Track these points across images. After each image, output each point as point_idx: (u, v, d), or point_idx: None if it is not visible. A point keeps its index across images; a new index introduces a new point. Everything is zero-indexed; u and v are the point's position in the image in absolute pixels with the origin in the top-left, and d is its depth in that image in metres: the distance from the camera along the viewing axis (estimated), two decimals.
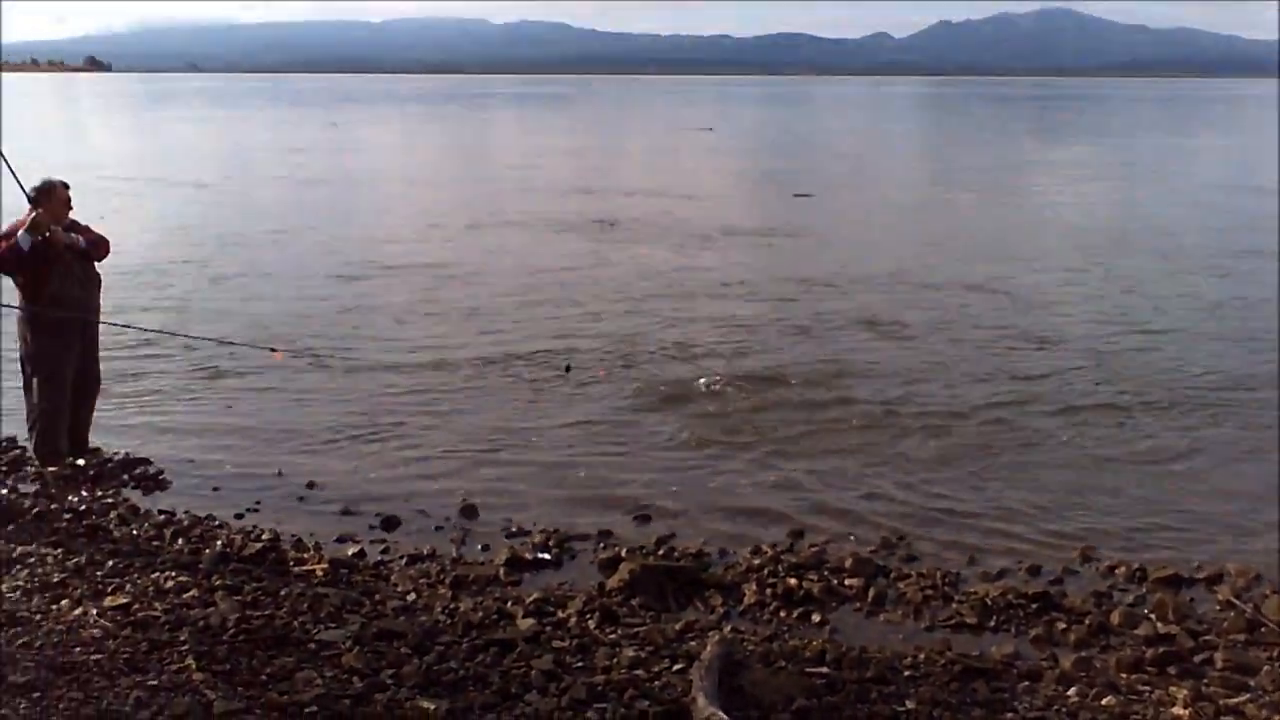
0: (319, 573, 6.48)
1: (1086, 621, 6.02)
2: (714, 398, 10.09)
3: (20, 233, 7.54)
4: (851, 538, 7.25)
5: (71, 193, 7.93)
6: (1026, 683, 5.32)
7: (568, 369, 10.95)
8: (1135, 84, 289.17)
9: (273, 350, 9.11)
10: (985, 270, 16.57)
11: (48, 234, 7.59)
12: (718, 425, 9.41)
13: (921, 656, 5.56)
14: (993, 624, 6.08)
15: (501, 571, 6.64)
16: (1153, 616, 6.10)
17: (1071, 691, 5.22)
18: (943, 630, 6.03)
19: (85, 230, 7.97)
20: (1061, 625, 6.01)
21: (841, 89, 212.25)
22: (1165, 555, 6.98)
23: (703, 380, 10.45)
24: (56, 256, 7.69)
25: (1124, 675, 5.43)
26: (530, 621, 5.81)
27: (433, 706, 4.75)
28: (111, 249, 8.18)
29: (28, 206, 7.73)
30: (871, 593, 6.38)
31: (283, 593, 6.08)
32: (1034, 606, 6.21)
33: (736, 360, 11.38)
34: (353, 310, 13.89)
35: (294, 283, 15.65)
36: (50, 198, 7.75)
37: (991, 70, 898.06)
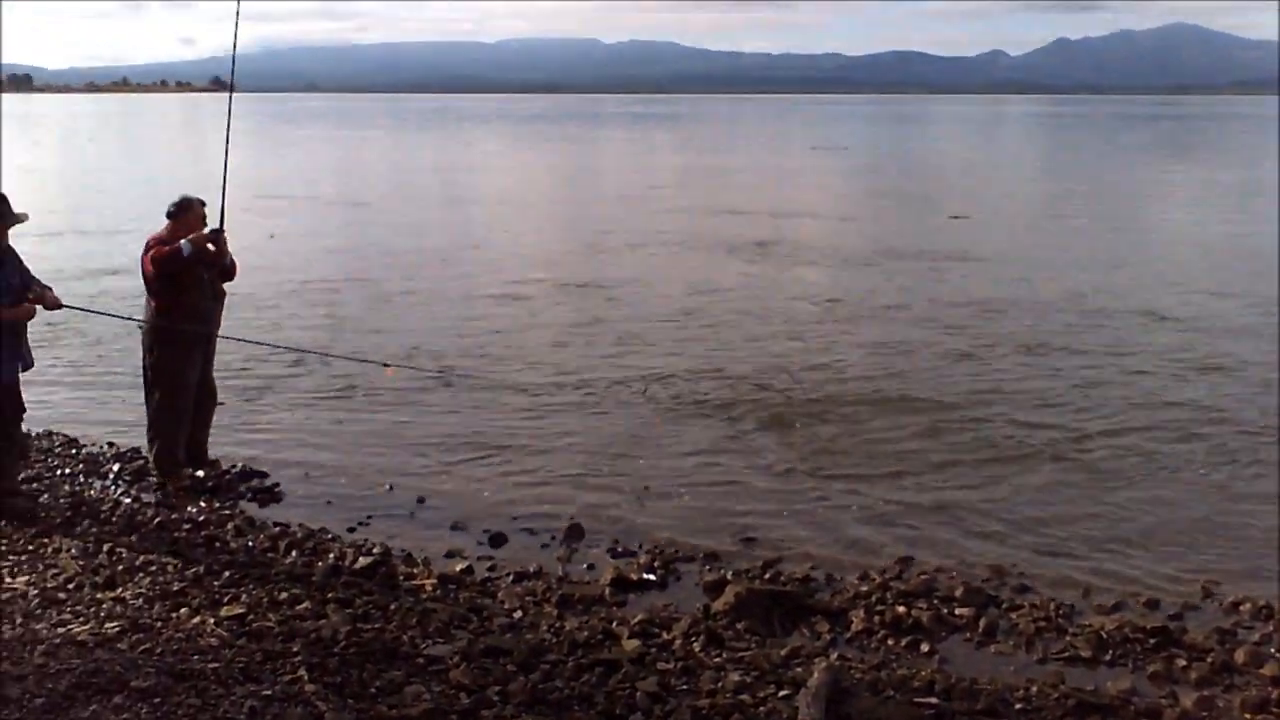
0: (428, 588, 6.56)
1: (1209, 659, 5.81)
2: (837, 421, 9.99)
3: (184, 240, 7.82)
4: (961, 566, 7.10)
5: (227, 210, 8.21)
6: None
7: (645, 392, 10.95)
8: (1267, 101, 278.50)
9: (385, 366, 9.26)
10: (1157, 295, 16.04)
11: (213, 245, 7.95)
12: (834, 449, 9.32)
13: (1034, 690, 5.42)
14: (1108, 658, 5.90)
15: (607, 591, 6.64)
16: None
17: None
18: (1056, 663, 5.87)
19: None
20: (1182, 662, 5.80)
21: (959, 108, 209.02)
22: None
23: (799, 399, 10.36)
24: (195, 269, 7.97)
25: (1249, 716, 5.24)
26: (635, 642, 5.80)
27: None
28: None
29: (166, 221, 8.02)
30: (982, 623, 6.24)
31: (392, 607, 6.17)
32: (1152, 642, 6.01)
33: (880, 383, 11.27)
34: (506, 331, 13.98)
35: (456, 302, 15.82)
36: (188, 213, 8.03)
37: (1112, 88, 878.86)
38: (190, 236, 7.86)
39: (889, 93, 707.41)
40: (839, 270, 18.68)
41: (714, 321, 14.51)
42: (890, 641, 6.07)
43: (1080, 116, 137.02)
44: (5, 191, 7.09)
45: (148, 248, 7.93)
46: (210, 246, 7.99)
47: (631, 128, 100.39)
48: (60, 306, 7.43)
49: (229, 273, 8.34)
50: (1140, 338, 13.42)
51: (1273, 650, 5.92)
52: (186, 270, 7.88)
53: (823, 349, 12.91)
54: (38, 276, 7.41)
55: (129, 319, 8.23)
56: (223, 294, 8.42)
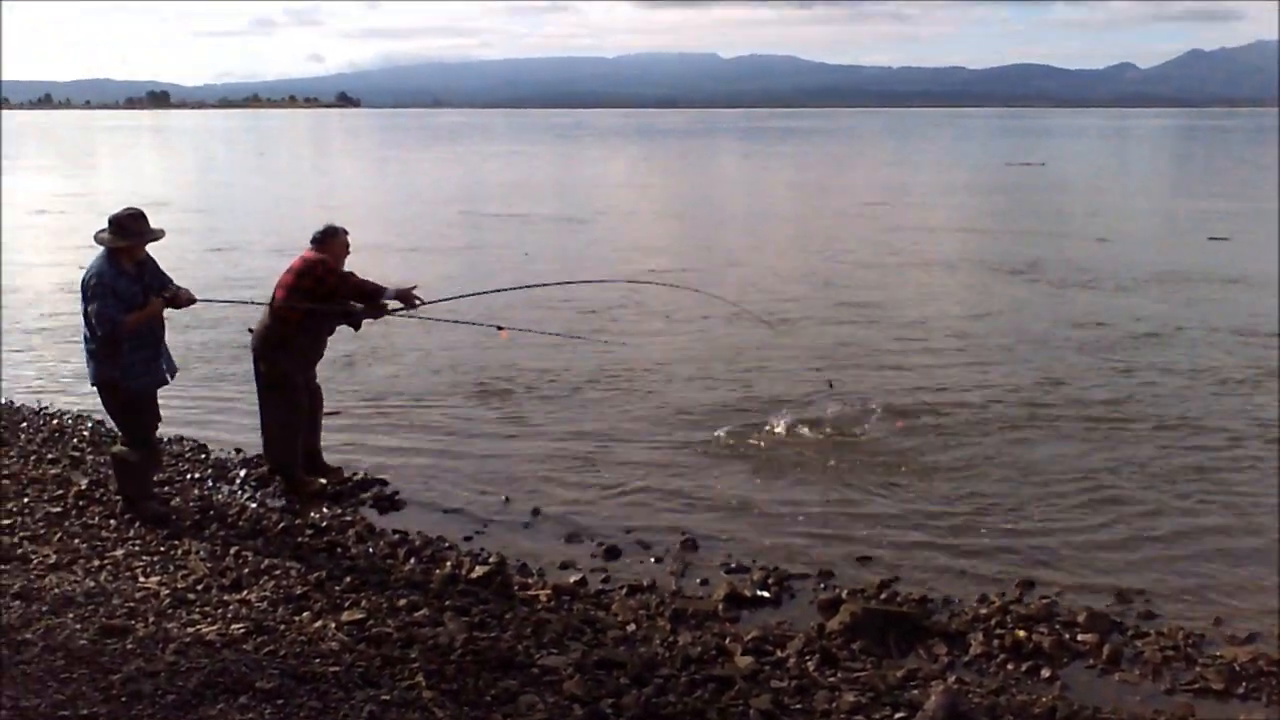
0: (542, 598, 6.61)
1: None
2: (979, 444, 9.84)
3: (392, 288, 8.27)
4: (1085, 591, 6.90)
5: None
6: None
7: (830, 384, 11.29)
8: None
9: (499, 329, 9.18)
10: None
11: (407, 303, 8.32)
12: (967, 472, 9.17)
13: None
14: (1241, 691, 5.68)
15: (720, 607, 6.62)
16: None
17: None
18: (1185, 694, 5.67)
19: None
20: None
21: (1094, 121, 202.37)
22: None
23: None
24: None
25: None
26: (749, 659, 5.77)
27: None
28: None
29: (309, 245, 8.29)
30: (1106, 650, 6.06)
31: (508, 616, 6.24)
32: None
33: (1068, 406, 10.97)
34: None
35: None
36: (334, 240, 8.29)
37: (1246, 100, 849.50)
38: (398, 291, 8.25)
39: (1013, 106, 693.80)
40: (1107, 294, 17.79)
41: (960, 344, 14.13)
42: (1010, 666, 5.94)
43: (1235, 129, 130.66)
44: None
45: (320, 265, 8.12)
46: (399, 304, 8.33)
47: (783, 142, 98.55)
48: (194, 301, 7.63)
49: (357, 325, 8.57)
50: None
51: None
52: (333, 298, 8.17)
53: (1052, 377, 12.29)
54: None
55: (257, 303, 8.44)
56: (333, 331, 8.64)
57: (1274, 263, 20.19)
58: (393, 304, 8.32)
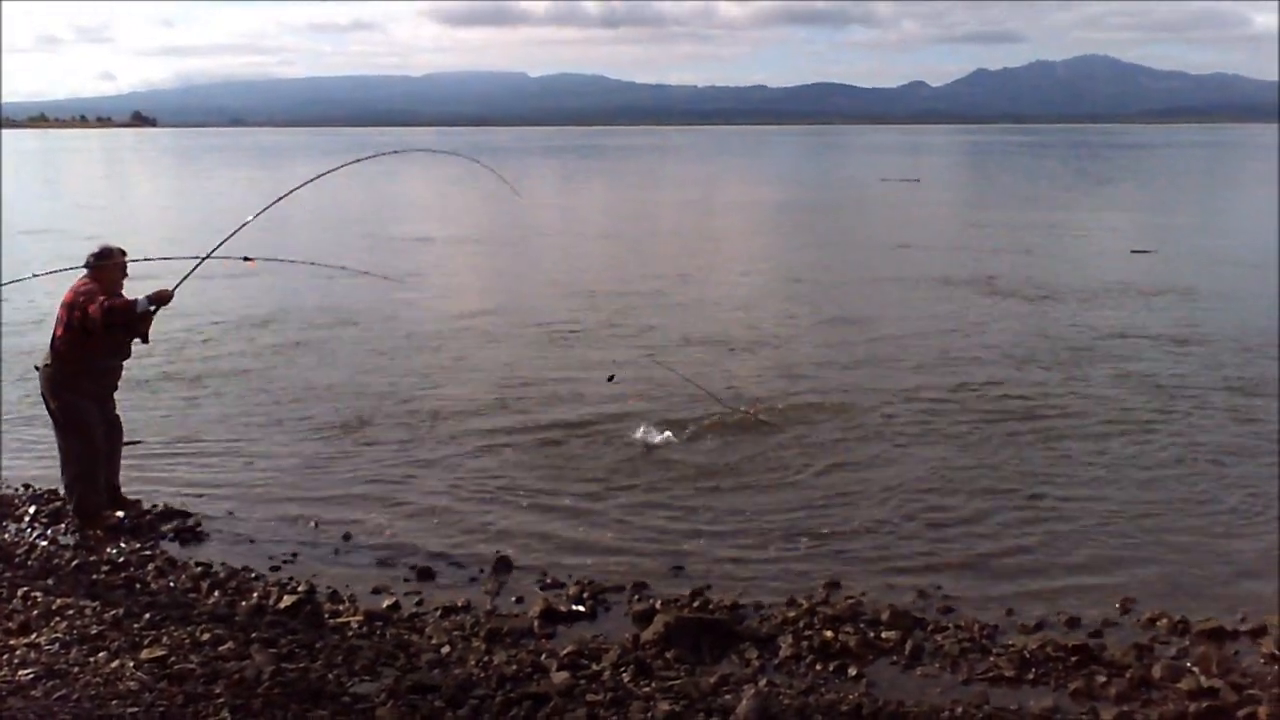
0: (354, 625, 6.49)
1: (1128, 675, 5.92)
2: (776, 446, 10.11)
3: (143, 296, 7.75)
4: (888, 589, 7.16)
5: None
6: None
7: (611, 378, 11.41)
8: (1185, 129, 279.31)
9: (246, 259, 8.78)
10: None
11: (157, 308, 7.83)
12: (761, 475, 9.41)
13: (959, 711, 5.50)
14: (1031, 677, 5.98)
15: (536, 624, 6.62)
16: (1196, 670, 5.98)
17: None
18: (980, 684, 5.94)
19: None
20: (1102, 679, 5.91)
21: (907, 138, 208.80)
22: (1208, 607, 6.85)
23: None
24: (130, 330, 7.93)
25: None
26: (564, 675, 5.78)
27: None
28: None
29: (84, 271, 7.89)
30: (909, 645, 6.30)
31: (318, 645, 6.10)
32: (1073, 659, 6.11)
33: (818, 394, 11.35)
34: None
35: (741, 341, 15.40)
36: (109, 262, 7.92)
37: (1030, 116, 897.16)
38: (153, 294, 7.81)
39: (815, 123, 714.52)
40: (1065, 306, 17.90)
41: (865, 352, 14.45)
42: (818, 666, 6.11)
43: (1042, 145, 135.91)
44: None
45: (84, 296, 7.72)
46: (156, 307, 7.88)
47: (626, 159, 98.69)
48: None
49: (144, 338, 8.15)
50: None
51: (1189, 664, 6.05)
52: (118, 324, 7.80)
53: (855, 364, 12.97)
54: None
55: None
56: (128, 354, 8.25)
57: (1200, 274, 21.25)
58: (152, 307, 7.88)
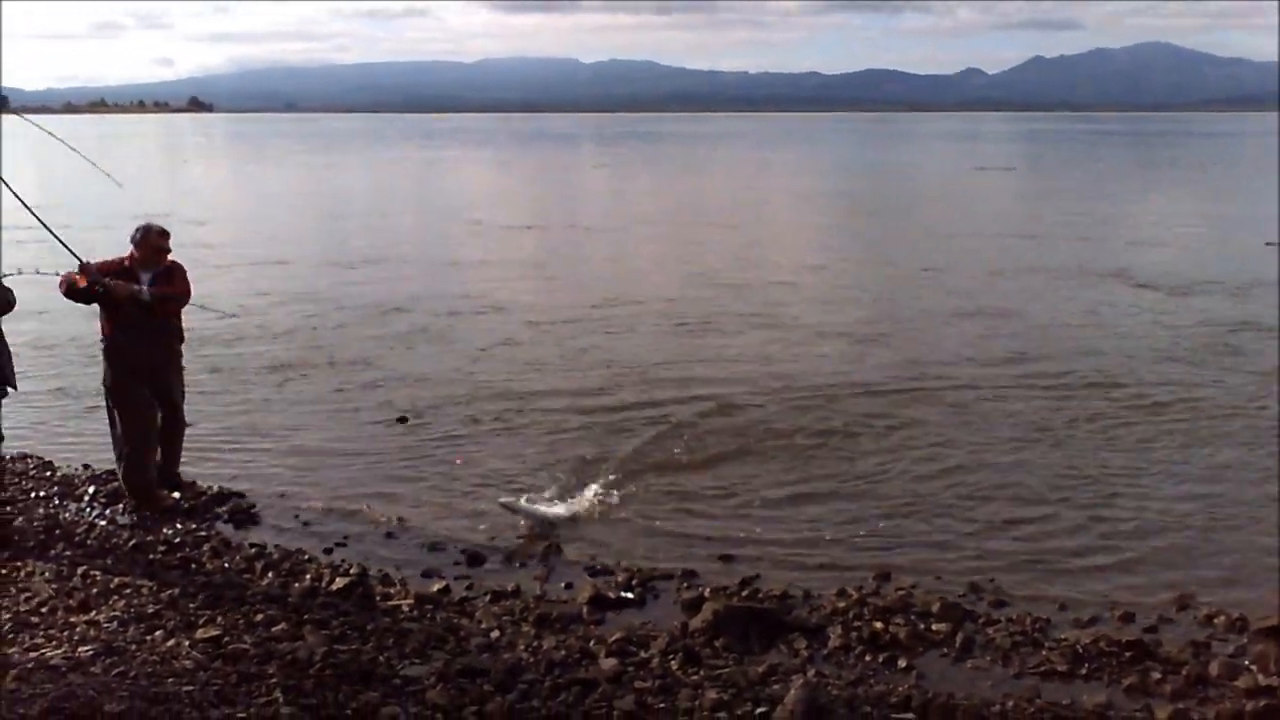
0: (405, 608, 6.54)
1: (1184, 672, 5.82)
2: (821, 441, 10.06)
3: (76, 275, 7.79)
4: (938, 581, 7.11)
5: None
6: None
7: (402, 419, 10.72)
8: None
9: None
10: None
11: (102, 288, 7.80)
12: (816, 468, 9.36)
13: (1010, 704, 5.44)
14: (1084, 672, 5.91)
15: (585, 610, 6.63)
16: (1254, 668, 5.88)
17: None
18: (1032, 677, 5.87)
19: (168, 283, 8.08)
20: (1157, 675, 5.82)
21: (964, 124, 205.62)
22: (1267, 605, 6.71)
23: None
24: (116, 306, 7.95)
25: None
26: (613, 661, 5.80)
27: None
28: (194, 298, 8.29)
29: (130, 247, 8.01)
30: (959, 638, 6.25)
31: (369, 628, 6.15)
32: (1128, 655, 6.03)
33: (855, 400, 11.30)
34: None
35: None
36: (143, 240, 8.03)
37: (1087, 105, 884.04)
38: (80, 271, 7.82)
39: (869, 110, 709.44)
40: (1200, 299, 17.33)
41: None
42: (867, 658, 6.07)
43: (1113, 133, 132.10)
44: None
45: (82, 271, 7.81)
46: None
47: (697, 146, 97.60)
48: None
49: (153, 309, 8.02)
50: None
51: (1246, 663, 5.95)
52: (107, 305, 7.93)
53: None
54: None
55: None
56: (162, 327, 8.21)
57: None
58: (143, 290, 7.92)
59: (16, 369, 7.60)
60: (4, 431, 7.60)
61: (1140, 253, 23.00)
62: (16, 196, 7.70)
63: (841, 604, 6.68)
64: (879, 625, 6.37)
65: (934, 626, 6.40)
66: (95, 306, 8.05)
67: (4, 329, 7.39)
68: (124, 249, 8.10)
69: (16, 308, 7.36)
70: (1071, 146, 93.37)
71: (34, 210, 7.84)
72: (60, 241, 7.88)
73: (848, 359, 13.31)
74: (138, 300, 7.86)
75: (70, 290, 7.79)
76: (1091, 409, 11.02)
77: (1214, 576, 7.17)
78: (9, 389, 7.39)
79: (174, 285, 8.06)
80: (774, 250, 24.86)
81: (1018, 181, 48.61)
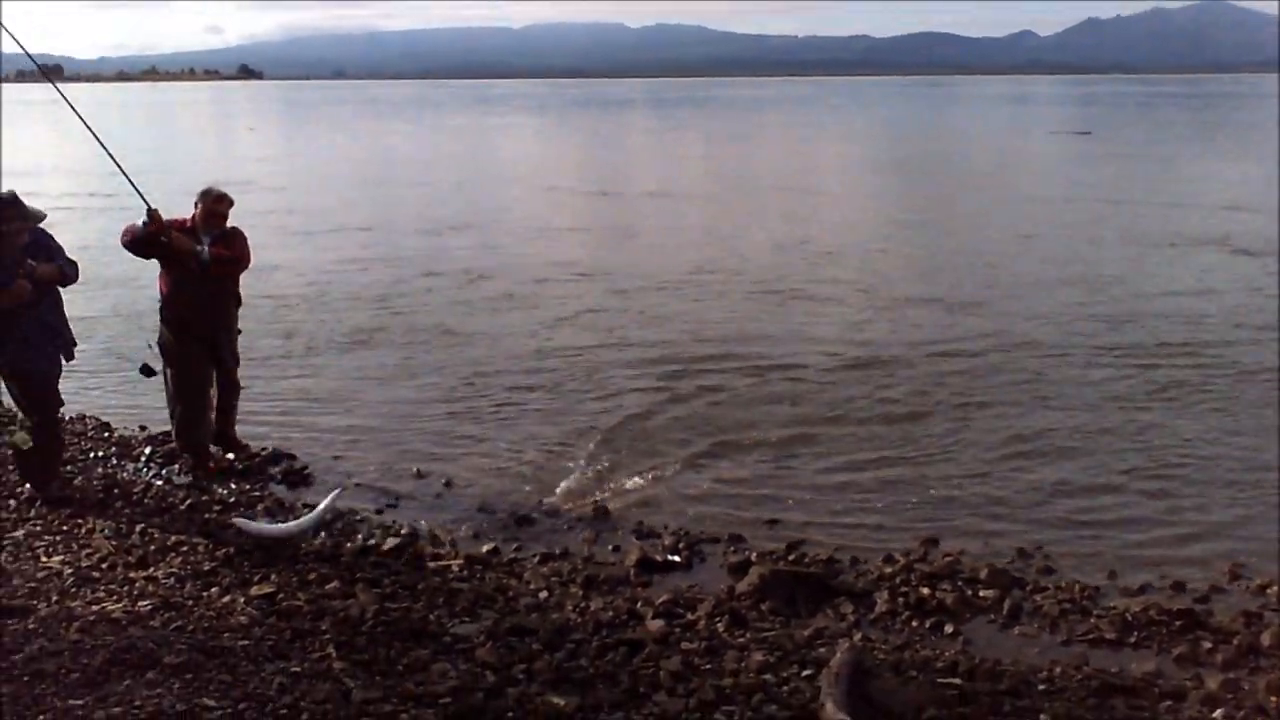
0: (455, 568, 6.62)
1: (1235, 642, 5.77)
2: (869, 406, 10.04)
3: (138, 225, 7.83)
4: (986, 548, 7.09)
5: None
6: (1169, 702, 5.15)
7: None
8: None
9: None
10: None
11: (166, 238, 7.85)
12: (879, 436, 9.33)
13: (1058, 671, 5.43)
14: (1133, 640, 5.88)
15: (632, 572, 6.68)
16: None
17: (1217, 714, 5.03)
18: (1080, 645, 5.86)
19: (227, 247, 8.13)
20: (1208, 645, 5.78)
21: (1020, 87, 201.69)
22: None
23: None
24: (174, 262, 8.03)
25: (1275, 699, 5.20)
26: (659, 623, 5.84)
27: (563, 702, 4.82)
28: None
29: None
30: (1007, 605, 6.23)
31: (420, 586, 6.24)
32: (1178, 624, 5.99)
33: (908, 365, 11.29)
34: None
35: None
36: (203, 201, 8.13)
37: (1143, 67, 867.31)
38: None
39: (919, 74, 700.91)
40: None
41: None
42: (914, 623, 6.08)
43: (1179, 95, 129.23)
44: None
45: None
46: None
47: (757, 112, 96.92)
48: (53, 279, 7.25)
49: (208, 269, 8.02)
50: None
51: None
52: (162, 258, 8.03)
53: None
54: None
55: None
56: (218, 291, 8.27)
57: None
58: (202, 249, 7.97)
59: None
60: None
61: (1237, 219, 22.33)
62: (101, 144, 7.80)
63: (888, 569, 6.69)
64: (926, 591, 6.37)
65: (981, 593, 6.39)
66: (154, 264, 8.15)
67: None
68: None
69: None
70: (1138, 110, 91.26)
71: (117, 159, 7.88)
72: (134, 186, 7.94)
73: (939, 327, 13.15)
74: (197, 259, 7.97)
75: (133, 240, 7.87)
76: (1178, 378, 10.84)
77: (1269, 548, 7.09)
78: (66, 354, 7.50)
79: (232, 249, 8.16)
80: (865, 216, 24.72)
81: (1096, 145, 47.67)
